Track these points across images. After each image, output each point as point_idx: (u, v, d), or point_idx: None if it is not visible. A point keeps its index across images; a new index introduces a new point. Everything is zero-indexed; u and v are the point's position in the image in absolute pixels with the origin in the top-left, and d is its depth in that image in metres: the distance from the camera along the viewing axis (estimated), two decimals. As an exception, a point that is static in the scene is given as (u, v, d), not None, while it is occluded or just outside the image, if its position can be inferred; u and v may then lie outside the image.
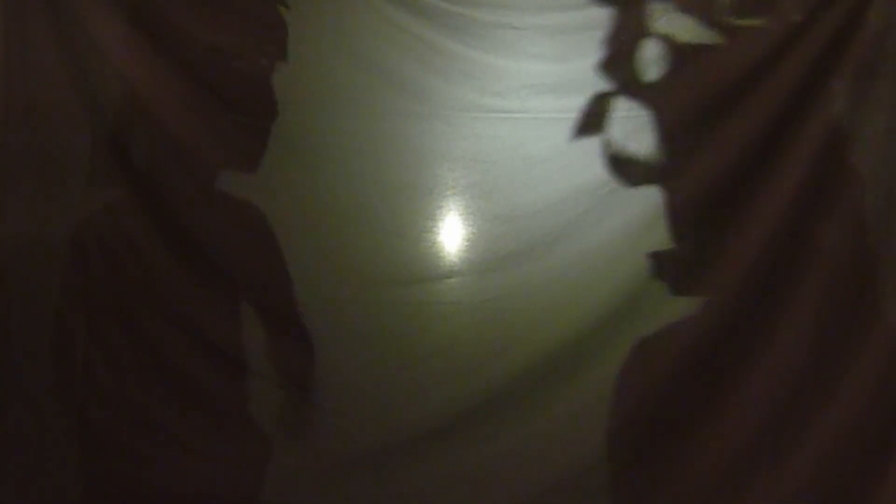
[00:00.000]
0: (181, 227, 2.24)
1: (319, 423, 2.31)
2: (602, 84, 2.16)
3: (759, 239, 2.29)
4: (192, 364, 2.26)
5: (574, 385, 2.33)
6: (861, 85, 2.29)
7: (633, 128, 2.24)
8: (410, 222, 2.34)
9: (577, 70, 2.29)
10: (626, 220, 2.31)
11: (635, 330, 2.33)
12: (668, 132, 1.45)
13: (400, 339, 2.33)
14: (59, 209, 2.21)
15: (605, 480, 2.34)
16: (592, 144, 2.29)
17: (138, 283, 2.23)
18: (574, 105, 2.29)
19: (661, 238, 2.31)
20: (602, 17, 2.28)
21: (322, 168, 2.29)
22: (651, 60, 1.47)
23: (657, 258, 1.61)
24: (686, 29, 1.46)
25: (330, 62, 2.28)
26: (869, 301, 2.30)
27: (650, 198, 2.30)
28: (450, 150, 2.34)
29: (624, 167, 1.49)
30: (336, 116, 2.28)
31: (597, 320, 2.33)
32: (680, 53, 1.45)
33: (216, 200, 2.26)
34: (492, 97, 2.31)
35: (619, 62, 1.48)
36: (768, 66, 2.26)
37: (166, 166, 2.24)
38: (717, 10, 1.41)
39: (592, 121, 1.48)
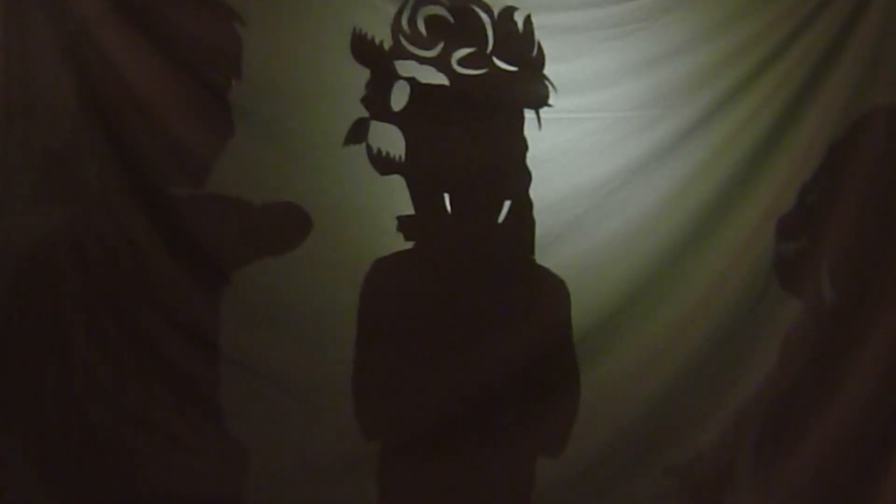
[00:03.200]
0: (176, 225, 2.23)
1: (319, 422, 2.30)
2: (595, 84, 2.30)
3: (761, 238, 2.31)
4: (190, 364, 2.26)
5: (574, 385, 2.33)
6: (861, 84, 2.31)
7: (636, 126, 2.30)
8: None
9: (577, 70, 2.30)
10: (625, 220, 2.32)
11: (635, 330, 2.33)
12: (411, 138, 2.21)
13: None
14: (60, 209, 2.21)
15: (605, 481, 2.34)
16: (592, 145, 2.31)
17: (136, 281, 2.23)
18: (574, 105, 2.30)
19: (661, 238, 2.33)
20: (602, 17, 2.30)
21: (324, 170, 2.28)
22: (399, 95, 2.21)
23: None
24: (424, 74, 2.19)
25: (327, 60, 2.28)
26: (870, 300, 2.31)
27: (649, 199, 2.32)
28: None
29: (379, 162, 2.21)
30: (337, 117, 2.28)
31: (596, 320, 2.33)
32: (419, 90, 2.20)
33: (211, 200, 2.26)
34: (492, 97, 2.33)
35: (377, 98, 2.19)
36: (768, 64, 2.29)
37: (159, 164, 2.24)
38: (446, 62, 2.18)
39: (357, 134, 2.20)
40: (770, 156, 2.31)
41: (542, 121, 2.29)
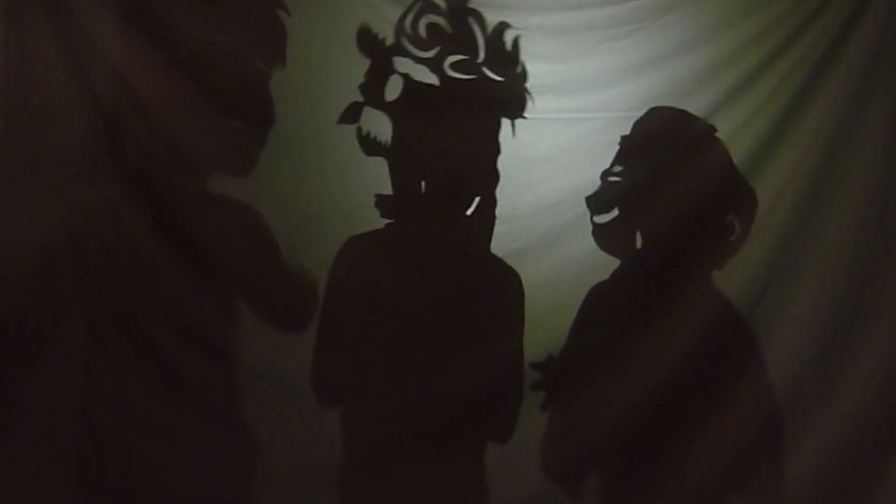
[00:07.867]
0: (177, 226, 2.23)
1: (320, 423, 2.30)
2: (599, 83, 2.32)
3: (760, 238, 2.31)
4: (190, 364, 2.26)
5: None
6: (861, 84, 2.31)
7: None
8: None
9: (577, 70, 2.31)
10: (626, 220, 2.33)
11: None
12: (398, 127, 2.33)
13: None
14: (60, 209, 2.21)
15: (604, 481, 2.34)
16: (592, 145, 2.32)
17: (137, 281, 2.23)
18: (574, 105, 2.31)
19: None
20: (602, 18, 2.31)
21: (324, 168, 2.29)
22: (394, 87, 2.32)
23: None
24: (417, 72, 2.31)
25: (331, 62, 2.29)
26: (869, 299, 2.31)
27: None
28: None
29: (366, 143, 2.32)
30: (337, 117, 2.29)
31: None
32: (411, 85, 2.31)
33: (211, 200, 2.27)
34: (492, 97, 2.32)
35: (373, 87, 2.31)
36: (768, 64, 2.30)
37: (162, 164, 2.24)
38: (439, 65, 2.30)
39: (351, 115, 2.31)
40: (770, 155, 2.32)
41: (542, 121, 2.30)
